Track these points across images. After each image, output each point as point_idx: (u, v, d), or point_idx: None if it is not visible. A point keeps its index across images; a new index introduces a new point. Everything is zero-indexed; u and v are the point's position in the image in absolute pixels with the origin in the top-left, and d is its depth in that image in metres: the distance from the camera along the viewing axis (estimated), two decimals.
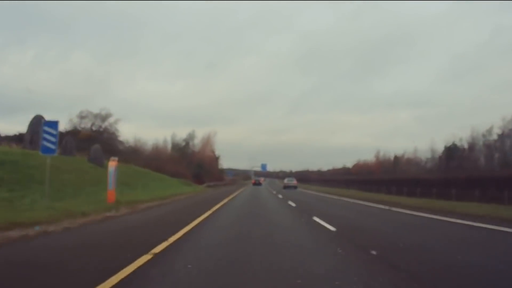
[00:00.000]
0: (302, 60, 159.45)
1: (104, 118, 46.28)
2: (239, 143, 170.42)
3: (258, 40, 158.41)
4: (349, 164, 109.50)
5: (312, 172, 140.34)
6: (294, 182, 53.90)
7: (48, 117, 27.87)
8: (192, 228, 9.07)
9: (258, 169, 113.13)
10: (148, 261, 5.31)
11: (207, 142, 62.29)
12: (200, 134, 64.44)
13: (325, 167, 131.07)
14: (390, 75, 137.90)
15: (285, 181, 56.37)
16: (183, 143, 57.78)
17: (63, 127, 42.37)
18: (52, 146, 12.49)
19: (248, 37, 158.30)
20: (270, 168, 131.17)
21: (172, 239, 7.24)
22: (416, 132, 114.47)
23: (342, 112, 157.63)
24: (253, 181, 71.02)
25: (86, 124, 46.22)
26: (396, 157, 78.49)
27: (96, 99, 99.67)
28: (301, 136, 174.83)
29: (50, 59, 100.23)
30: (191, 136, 59.41)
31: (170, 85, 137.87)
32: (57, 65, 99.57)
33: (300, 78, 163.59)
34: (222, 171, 77.00)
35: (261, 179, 77.27)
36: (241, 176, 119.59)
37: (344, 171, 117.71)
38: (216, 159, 68.00)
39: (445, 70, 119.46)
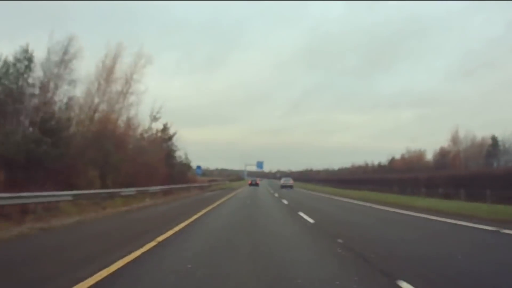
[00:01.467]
0: (306, 56, 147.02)
1: None
2: (235, 143, 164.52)
3: (261, 34, 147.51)
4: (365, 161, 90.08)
5: (318, 172, 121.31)
6: (290, 182, 55.09)
7: None
8: None
9: (253, 168, 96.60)
10: None
11: (110, 72, 22.57)
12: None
13: (334, 166, 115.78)
14: (398, 73, 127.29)
15: (282, 181, 57.69)
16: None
17: None
18: None
19: (251, 31, 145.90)
20: (267, 168, 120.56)
21: None
22: (423, 132, 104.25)
23: (346, 111, 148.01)
24: (249, 181, 68.40)
25: None
26: (494, 140, 43.78)
27: None
28: (302, 135, 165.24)
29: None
30: (63, 48, 18.58)
31: (166, 83, 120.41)
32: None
33: (302, 75, 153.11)
34: (186, 166, 41.99)
35: (258, 180, 70.02)
36: (230, 177, 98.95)
37: (369, 168, 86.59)
38: (160, 131, 32.64)
39: (455, 67, 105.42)
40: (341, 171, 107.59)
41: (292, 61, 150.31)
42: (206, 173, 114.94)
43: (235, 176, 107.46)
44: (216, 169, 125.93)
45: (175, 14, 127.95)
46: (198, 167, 41.92)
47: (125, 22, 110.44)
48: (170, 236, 7.54)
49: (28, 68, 15.90)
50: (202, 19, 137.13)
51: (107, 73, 22.56)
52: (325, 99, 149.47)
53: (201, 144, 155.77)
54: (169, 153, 35.28)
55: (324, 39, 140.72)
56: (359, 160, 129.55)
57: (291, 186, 50.82)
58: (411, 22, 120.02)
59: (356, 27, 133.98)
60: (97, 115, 21.32)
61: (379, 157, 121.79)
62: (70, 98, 18.64)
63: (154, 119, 30.37)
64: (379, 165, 79.74)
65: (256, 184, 61.20)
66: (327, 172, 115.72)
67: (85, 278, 4.09)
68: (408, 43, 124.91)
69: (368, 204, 19.12)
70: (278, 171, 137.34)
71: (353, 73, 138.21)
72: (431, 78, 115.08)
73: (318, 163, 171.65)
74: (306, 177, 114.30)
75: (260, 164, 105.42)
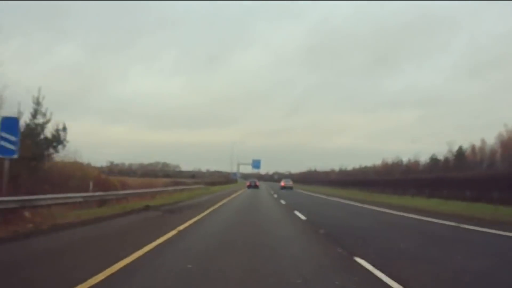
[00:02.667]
0: (308, 54, 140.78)
1: None
2: (231, 145, 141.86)
3: (264, 31, 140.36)
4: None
5: (327, 173, 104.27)
6: (290, 183, 57.79)
7: None
8: None
9: (248, 168, 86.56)
10: None
11: None
12: None
13: (337, 167, 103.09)
14: (404, 72, 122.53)
15: (282, 182, 59.43)
16: None
17: None
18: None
19: (253, 28, 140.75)
20: (263, 169, 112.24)
21: None
22: (429, 133, 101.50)
23: (350, 111, 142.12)
24: (247, 183, 63.79)
25: None
26: None
27: (85, 96, 60.57)
28: (301, 136, 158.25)
29: (34, 51, 78.00)
30: None
31: (166, 82, 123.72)
32: (43, 59, 74.17)
33: (304, 74, 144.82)
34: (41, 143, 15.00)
35: (257, 182, 63.74)
36: (219, 178, 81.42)
37: (413, 166, 67.79)
38: None
39: (463, 64, 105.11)
40: (359, 171, 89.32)
41: (293, 60, 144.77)
42: (197, 175, 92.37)
43: (223, 178, 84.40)
44: (208, 171, 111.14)
45: (174, 11, 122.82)
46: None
47: (121, 17, 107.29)
48: None
49: None
50: (201, 16, 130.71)
51: None
52: (326, 99, 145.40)
53: (197, 146, 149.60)
54: None
55: (328, 37, 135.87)
56: (366, 161, 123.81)
57: (291, 187, 54.76)
58: (418, 20, 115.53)
59: (364, 24, 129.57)
60: None
61: (390, 156, 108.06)
62: None
63: None
64: (434, 160, 59.12)
65: (256, 186, 57.92)
66: (339, 172, 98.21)
67: None
68: (416, 41, 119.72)
69: (485, 230, 10.44)
70: (276, 173, 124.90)
71: (357, 73, 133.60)
72: (440, 76, 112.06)
73: (319, 165, 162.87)
74: (309, 178, 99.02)
75: (256, 164, 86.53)
